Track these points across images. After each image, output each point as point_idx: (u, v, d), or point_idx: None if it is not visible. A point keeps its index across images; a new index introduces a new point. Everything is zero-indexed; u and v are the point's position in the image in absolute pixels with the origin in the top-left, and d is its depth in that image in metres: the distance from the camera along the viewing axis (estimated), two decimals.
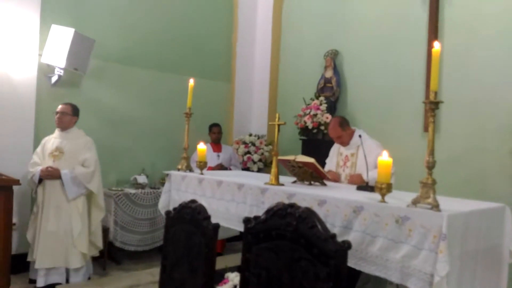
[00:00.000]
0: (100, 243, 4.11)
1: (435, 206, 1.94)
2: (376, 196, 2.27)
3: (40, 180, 3.82)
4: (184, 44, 5.65)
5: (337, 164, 3.69)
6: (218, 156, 5.32)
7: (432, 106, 1.98)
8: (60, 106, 4.02)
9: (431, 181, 1.99)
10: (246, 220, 1.73)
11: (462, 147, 4.05)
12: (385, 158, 2.24)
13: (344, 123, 3.60)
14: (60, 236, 3.78)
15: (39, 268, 3.72)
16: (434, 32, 4.29)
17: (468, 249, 2.01)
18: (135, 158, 5.20)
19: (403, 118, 4.56)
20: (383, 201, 2.20)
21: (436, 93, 1.99)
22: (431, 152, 2.00)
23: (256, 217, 1.69)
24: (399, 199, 2.30)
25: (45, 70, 4.47)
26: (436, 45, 2.01)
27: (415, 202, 2.03)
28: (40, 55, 4.38)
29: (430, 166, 2.00)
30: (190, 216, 2.00)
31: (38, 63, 4.37)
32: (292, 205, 1.57)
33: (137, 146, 5.26)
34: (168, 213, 2.22)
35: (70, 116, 4.00)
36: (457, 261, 1.93)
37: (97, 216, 4.04)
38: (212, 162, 5.07)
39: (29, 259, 3.85)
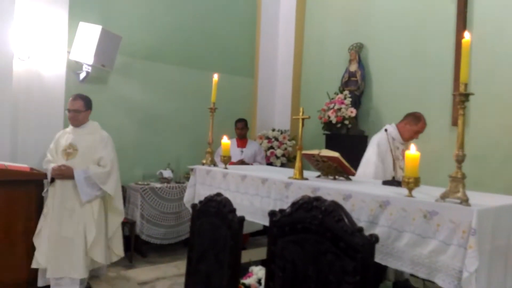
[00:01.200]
0: (120, 250, 3.77)
1: (465, 201, 1.90)
2: (403, 190, 2.23)
3: (52, 179, 3.53)
4: (208, 40, 5.69)
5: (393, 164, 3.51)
6: (242, 151, 5.31)
7: (462, 98, 1.93)
8: (70, 102, 3.69)
9: (460, 175, 1.94)
10: (272, 213, 1.74)
11: (491, 141, 3.94)
12: (412, 151, 2.20)
13: None
14: (75, 243, 3.45)
15: (51, 277, 3.41)
16: (463, 23, 4.18)
17: (498, 244, 1.96)
18: (161, 153, 5.29)
19: (431, 111, 4.44)
20: (410, 195, 2.16)
21: (466, 85, 1.93)
22: (461, 146, 1.95)
23: (281, 210, 1.70)
24: (427, 193, 2.26)
25: (73, 67, 4.59)
26: (467, 35, 1.95)
27: (443, 197, 1.98)
28: (68, 52, 4.49)
29: (460, 160, 1.95)
30: (216, 209, 2.02)
31: (67, 60, 4.48)
32: (318, 199, 1.56)
33: (163, 141, 5.34)
34: (194, 206, 2.25)
35: (84, 113, 3.69)
36: (486, 257, 1.88)
37: (115, 220, 3.70)
38: (235, 157, 5.08)
39: (34, 265, 3.43)
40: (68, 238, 3.42)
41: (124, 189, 4.91)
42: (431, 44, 4.49)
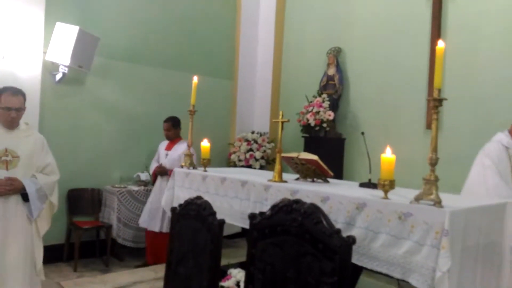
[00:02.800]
0: (39, 263, 3.01)
1: (438, 203, 1.96)
2: (379, 193, 2.29)
3: None
4: (187, 42, 5.68)
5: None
6: (167, 155, 4.84)
7: (436, 103, 1.99)
8: (11, 98, 2.87)
9: (433, 178, 2.00)
10: (252, 216, 1.76)
11: (464, 145, 4.06)
12: (388, 155, 2.26)
13: None
14: (25, 267, 2.89)
15: None
16: (437, 29, 4.31)
17: (469, 244, 2.04)
18: (139, 155, 5.24)
19: (406, 115, 4.58)
20: (386, 197, 2.22)
21: (439, 91, 2.00)
22: (434, 149, 2.01)
23: (261, 213, 1.72)
24: (402, 195, 2.32)
25: (49, 68, 4.51)
26: (440, 44, 2.02)
27: (417, 199, 2.05)
28: (44, 52, 4.41)
29: (433, 163, 2.02)
30: (196, 212, 2.03)
31: (43, 60, 4.40)
32: (298, 201, 1.60)
33: (141, 143, 5.29)
34: (173, 209, 2.25)
35: (24, 111, 2.98)
36: (458, 257, 1.95)
37: (43, 230, 3.07)
38: (162, 161, 4.83)
39: None
40: (15, 264, 2.83)
41: (100, 192, 4.86)
42: (406, 50, 4.61)
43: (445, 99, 2.04)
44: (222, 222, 1.91)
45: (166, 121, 4.87)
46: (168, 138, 4.88)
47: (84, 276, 3.94)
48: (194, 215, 2.03)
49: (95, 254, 4.74)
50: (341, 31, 5.30)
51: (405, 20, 4.64)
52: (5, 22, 4.11)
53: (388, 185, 2.22)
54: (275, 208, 1.66)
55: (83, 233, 4.25)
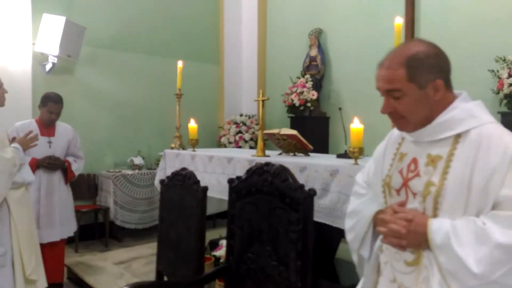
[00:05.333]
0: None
1: None
2: (351, 160, 2.51)
3: None
4: (172, 27, 5.79)
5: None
6: (50, 142, 3.59)
7: None
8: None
9: None
10: (230, 180, 1.97)
11: None
12: (356, 125, 2.47)
13: (419, 70, 1.29)
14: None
15: None
16: (411, 7, 4.49)
17: None
18: (131, 141, 5.41)
19: None
20: (356, 163, 2.44)
21: None
22: None
23: (238, 177, 1.93)
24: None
25: (39, 59, 4.64)
26: (398, 20, 2.22)
27: None
28: (33, 44, 4.54)
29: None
30: (181, 182, 2.23)
31: (32, 52, 4.53)
32: (268, 164, 1.81)
33: (132, 129, 5.46)
34: (162, 181, 2.46)
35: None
36: None
37: None
38: (41, 152, 3.45)
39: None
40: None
41: (95, 177, 5.06)
42: (384, 27, 4.78)
43: None
44: (205, 188, 2.12)
45: (59, 101, 3.62)
46: (53, 122, 3.65)
47: (84, 255, 4.15)
48: (180, 185, 2.24)
49: (94, 236, 4.96)
50: (321, 12, 5.45)
51: (382, 0, 4.81)
52: None
53: (358, 152, 2.44)
54: (250, 171, 1.88)
55: (81, 215, 4.45)
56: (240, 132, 6.06)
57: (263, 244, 1.76)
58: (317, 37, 5.38)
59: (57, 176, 3.57)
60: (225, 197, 3.24)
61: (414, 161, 1.32)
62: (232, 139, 6.01)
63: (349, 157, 2.83)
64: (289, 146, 3.26)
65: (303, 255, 1.61)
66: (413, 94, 1.27)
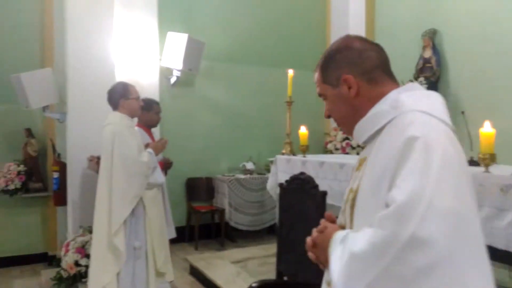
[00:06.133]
0: None
1: None
2: (480, 168, 2.35)
3: None
4: (281, 40, 6.01)
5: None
6: None
7: None
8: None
9: None
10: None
11: None
12: (487, 129, 2.31)
13: (329, 69, 1.22)
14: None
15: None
16: None
17: None
18: (243, 147, 5.73)
19: (509, 94, 4.35)
20: (487, 171, 2.28)
21: None
22: None
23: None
24: (502, 169, 2.35)
25: (165, 73, 5.18)
26: None
27: None
28: (160, 59, 5.08)
29: None
30: (300, 186, 2.33)
31: (159, 67, 5.06)
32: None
33: (245, 136, 5.78)
34: (281, 185, 2.58)
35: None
36: None
37: None
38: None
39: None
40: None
41: (212, 181, 5.46)
42: (508, 25, 4.36)
43: None
44: (324, 193, 2.18)
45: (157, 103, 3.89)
46: (158, 123, 3.90)
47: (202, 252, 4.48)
48: (299, 188, 2.33)
49: (210, 236, 5.34)
50: (435, 11, 5.16)
51: None
52: (125, 36, 4.80)
53: (489, 159, 2.27)
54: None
55: (200, 216, 4.82)
56: (347, 138, 5.99)
57: None
58: (432, 38, 5.11)
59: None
60: (337, 203, 3.29)
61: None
62: (338, 146, 5.97)
63: (478, 164, 2.66)
64: None
65: None
66: (330, 95, 1.19)
